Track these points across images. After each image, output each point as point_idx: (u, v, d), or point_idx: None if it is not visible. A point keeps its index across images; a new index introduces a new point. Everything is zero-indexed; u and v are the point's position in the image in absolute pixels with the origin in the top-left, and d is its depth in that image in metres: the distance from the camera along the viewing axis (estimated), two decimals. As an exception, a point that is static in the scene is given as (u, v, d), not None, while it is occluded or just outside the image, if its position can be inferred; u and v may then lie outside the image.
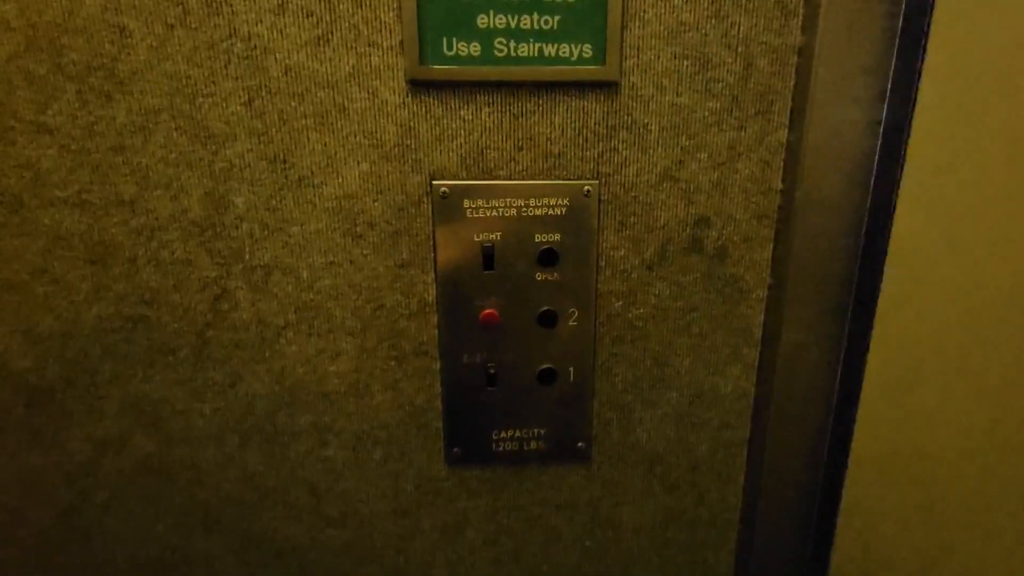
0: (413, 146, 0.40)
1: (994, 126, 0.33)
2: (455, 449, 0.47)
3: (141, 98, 0.37)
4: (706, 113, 0.41)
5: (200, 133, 0.38)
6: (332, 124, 0.39)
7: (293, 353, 0.44)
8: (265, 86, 0.38)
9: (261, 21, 0.37)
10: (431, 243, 0.42)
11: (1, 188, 0.38)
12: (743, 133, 0.41)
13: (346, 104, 0.39)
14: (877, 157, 0.41)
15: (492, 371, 0.45)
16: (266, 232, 0.41)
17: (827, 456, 0.48)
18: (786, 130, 0.41)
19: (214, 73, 0.37)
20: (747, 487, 0.50)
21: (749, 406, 0.48)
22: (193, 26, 0.36)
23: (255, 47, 0.37)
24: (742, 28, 0.39)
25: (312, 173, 0.40)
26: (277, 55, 0.37)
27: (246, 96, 0.38)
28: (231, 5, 0.36)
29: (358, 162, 0.40)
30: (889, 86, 0.39)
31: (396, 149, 0.40)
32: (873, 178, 0.42)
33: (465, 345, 0.44)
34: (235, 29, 0.37)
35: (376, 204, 0.41)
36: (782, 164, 0.42)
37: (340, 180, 0.40)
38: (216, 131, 0.38)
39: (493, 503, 0.49)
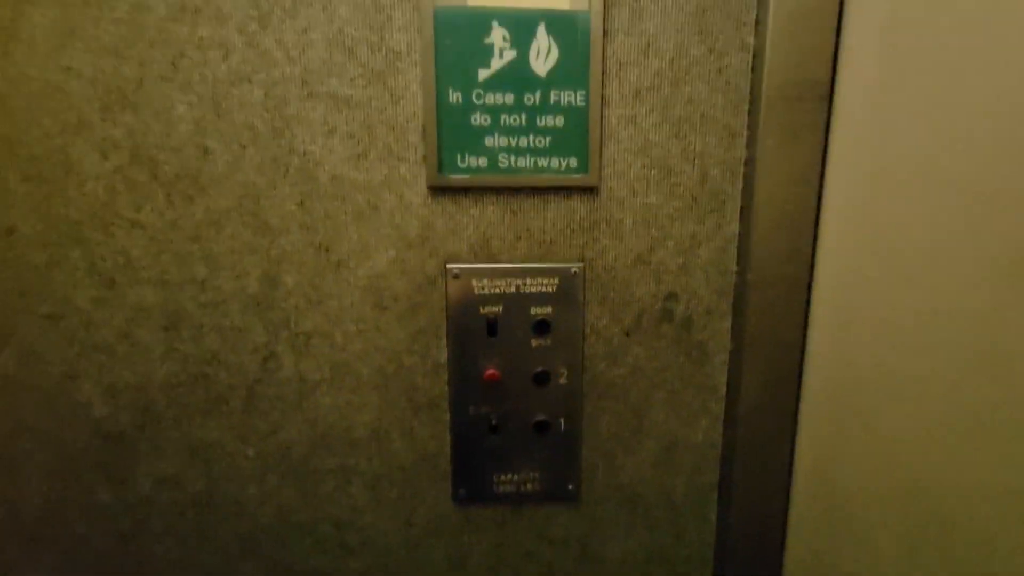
0: (431, 237, 0.49)
1: (886, 216, 0.42)
2: (461, 489, 0.54)
3: (216, 200, 0.47)
4: (671, 210, 0.50)
5: (261, 227, 0.48)
6: (367, 220, 0.48)
7: (326, 405, 0.52)
8: (315, 191, 0.47)
9: (315, 142, 0.47)
10: (444, 314, 0.51)
11: (99, 270, 0.48)
12: (702, 226, 0.50)
13: (378, 204, 0.48)
14: (813, 244, 0.50)
15: (494, 422, 0.53)
16: (309, 305, 0.50)
17: (788, 495, 0.55)
18: (737, 223, 0.50)
19: (275, 181, 0.47)
20: (719, 526, 0.57)
21: (718, 454, 0.55)
22: (261, 145, 0.46)
23: (308, 161, 0.47)
24: (697, 146, 0.49)
25: (349, 258, 0.49)
26: (326, 167, 0.47)
27: (299, 198, 0.48)
28: (291, 130, 0.46)
29: (387, 249, 0.49)
30: (818, 188, 0.49)
31: (417, 239, 0.49)
32: (812, 260, 0.50)
33: (471, 399, 0.52)
34: (293, 147, 0.47)
35: (400, 282, 0.50)
36: (736, 250, 0.51)
37: (371, 264, 0.49)
38: (273, 225, 0.48)
39: (494, 538, 0.56)
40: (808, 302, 0.51)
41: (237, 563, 0.55)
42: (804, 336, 0.52)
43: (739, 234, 0.51)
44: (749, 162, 0.49)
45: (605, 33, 0.46)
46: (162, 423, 0.51)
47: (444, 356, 0.51)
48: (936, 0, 0.37)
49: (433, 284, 0.50)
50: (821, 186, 0.48)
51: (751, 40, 0.47)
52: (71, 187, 0.46)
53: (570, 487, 0.55)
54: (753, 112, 0.48)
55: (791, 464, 0.54)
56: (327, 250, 0.49)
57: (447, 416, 0.53)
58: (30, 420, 0.50)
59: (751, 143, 0.48)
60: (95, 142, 0.46)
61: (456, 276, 0.50)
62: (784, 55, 0.46)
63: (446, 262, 0.50)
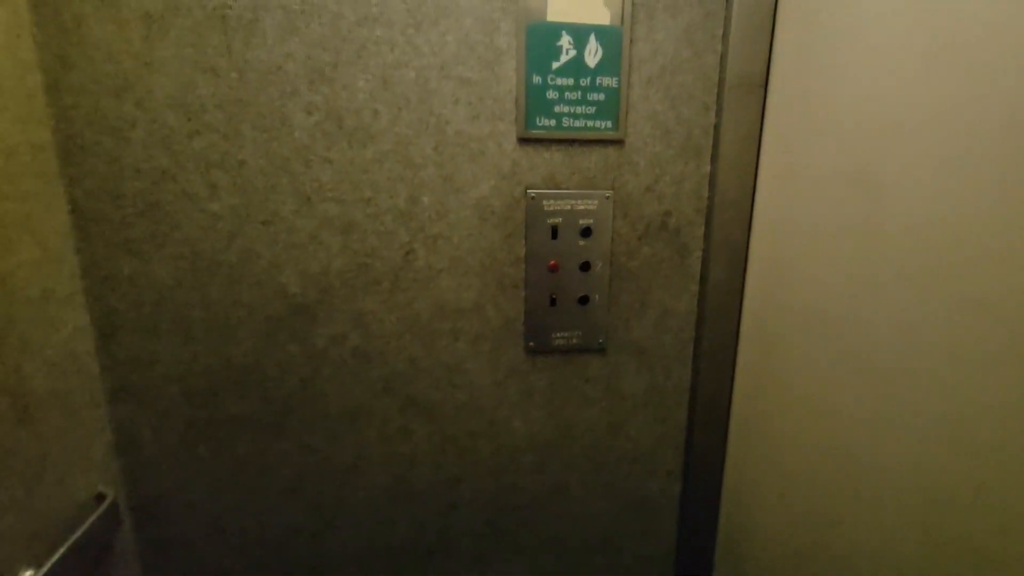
0: (518, 172, 0.75)
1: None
2: (531, 343, 0.82)
3: (380, 145, 0.72)
4: (668, 156, 0.78)
5: (408, 164, 0.73)
6: (477, 160, 0.74)
7: (444, 286, 0.78)
8: (444, 140, 0.73)
9: (445, 107, 0.72)
10: (524, 223, 0.77)
11: (300, 192, 0.71)
12: (687, 167, 0.79)
13: (485, 150, 0.74)
14: (755, 177, 0.79)
15: (553, 297, 0.80)
16: (437, 216, 0.75)
17: (736, 343, 0.86)
18: (708, 166, 0.79)
19: (419, 133, 0.72)
20: (693, 366, 0.87)
21: (694, 318, 0.85)
22: (411, 109, 0.71)
23: (441, 120, 0.72)
24: (685, 114, 0.77)
25: (464, 186, 0.75)
26: (452, 124, 0.72)
27: (434, 144, 0.73)
28: (431, 100, 0.71)
29: (489, 180, 0.75)
30: (758, 143, 0.78)
31: (509, 173, 0.75)
32: (754, 188, 0.80)
33: (539, 281, 0.80)
34: (432, 111, 0.71)
35: (496, 202, 0.76)
36: (708, 183, 0.80)
37: (479, 189, 0.75)
38: (416, 163, 0.73)
39: (550, 377, 0.84)
40: (751, 217, 0.81)
41: (380, 398, 0.80)
42: (748, 239, 0.82)
43: (710, 173, 0.80)
44: (717, 126, 0.78)
45: (631, 41, 0.73)
46: (335, 297, 0.76)
47: (523, 252, 0.78)
48: (824, 26, 0.66)
49: (518, 203, 0.77)
50: (760, 141, 0.78)
51: (719, 47, 0.75)
52: (284, 134, 0.69)
53: (600, 340, 0.84)
54: (720, 93, 0.76)
55: (739, 322, 0.85)
56: (450, 180, 0.74)
57: (523, 293, 0.80)
58: (245, 297, 0.74)
59: (718, 113, 0.77)
60: (302, 104, 0.69)
61: (533, 198, 0.76)
62: (739, 57, 0.74)
63: (526, 189, 0.76)
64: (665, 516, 0.94)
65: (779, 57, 0.74)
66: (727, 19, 0.74)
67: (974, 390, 0.49)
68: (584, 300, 0.81)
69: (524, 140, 0.74)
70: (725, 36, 0.75)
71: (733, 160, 0.78)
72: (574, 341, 0.83)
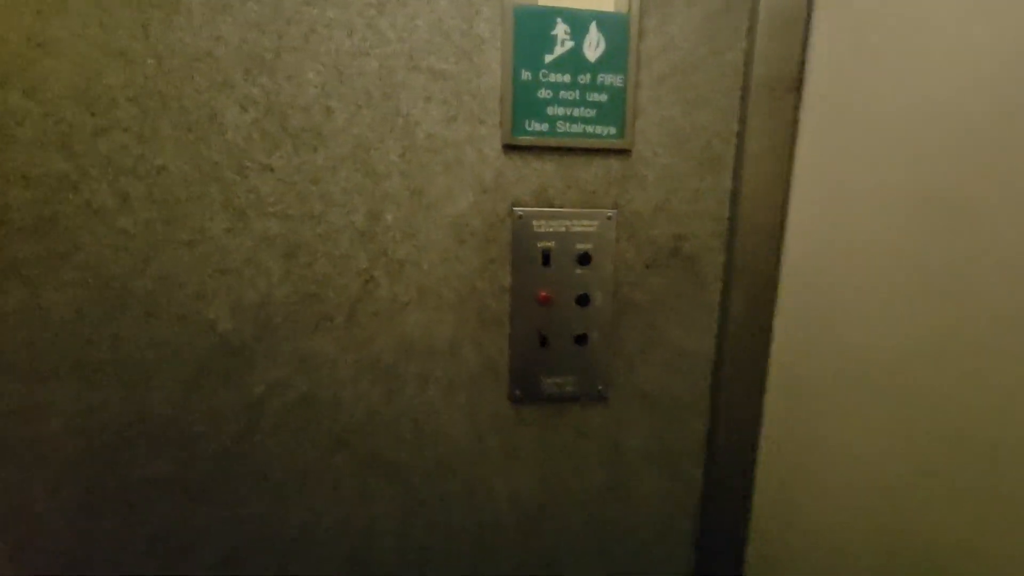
0: (502, 185, 0.62)
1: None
2: (517, 391, 0.68)
3: (334, 149, 0.59)
4: (682, 169, 0.66)
5: (369, 172, 0.60)
6: (453, 170, 0.61)
7: (413, 321, 0.64)
8: (413, 145, 0.60)
9: (416, 106, 0.59)
10: (509, 247, 0.64)
11: (234, 205, 0.58)
12: (704, 182, 0.66)
13: (462, 158, 0.61)
14: (785, 197, 0.67)
15: (544, 335, 0.67)
16: (404, 237, 0.62)
17: (763, 391, 0.72)
18: (729, 181, 0.67)
19: (383, 136, 0.59)
20: (711, 418, 0.74)
21: (711, 360, 0.72)
22: (373, 107, 0.58)
23: (409, 120, 0.59)
24: (702, 120, 0.65)
25: (438, 200, 0.62)
26: (423, 126, 0.60)
27: (401, 151, 0.60)
28: (399, 95, 0.58)
29: (467, 194, 0.62)
30: (790, 156, 0.66)
31: (492, 186, 0.62)
32: (784, 211, 0.67)
33: (527, 316, 0.66)
34: (399, 110, 0.59)
35: (476, 221, 0.63)
36: (728, 202, 0.67)
37: (455, 205, 0.62)
38: (379, 172, 0.60)
39: (540, 431, 0.70)
40: (780, 244, 0.68)
41: (333, 455, 0.66)
42: (778, 270, 0.69)
43: (731, 190, 0.67)
44: (740, 134, 0.65)
45: (640, 32, 0.61)
46: (277, 337, 0.62)
47: (508, 281, 0.65)
48: (875, 25, 0.55)
49: (502, 223, 0.63)
50: (792, 154, 0.65)
51: (744, 43, 0.63)
52: (213, 134, 0.56)
53: (600, 387, 0.70)
54: (744, 97, 0.64)
55: (765, 367, 0.71)
56: (420, 193, 0.61)
57: (508, 330, 0.66)
58: (164, 334, 0.60)
59: (742, 120, 0.65)
60: (237, 98, 0.56)
61: (520, 217, 0.63)
62: (767, 54, 0.62)
63: (512, 206, 0.63)
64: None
65: (817, 54, 0.62)
66: (753, 11, 0.63)
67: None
68: (581, 339, 0.68)
69: (510, 147, 0.62)
70: (751, 31, 0.63)
71: (760, 175, 0.66)
72: (569, 388, 0.69)
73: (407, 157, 0.60)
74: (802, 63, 0.63)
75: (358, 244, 0.61)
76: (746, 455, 0.74)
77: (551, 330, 0.67)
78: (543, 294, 0.65)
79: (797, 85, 0.64)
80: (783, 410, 0.69)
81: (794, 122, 0.64)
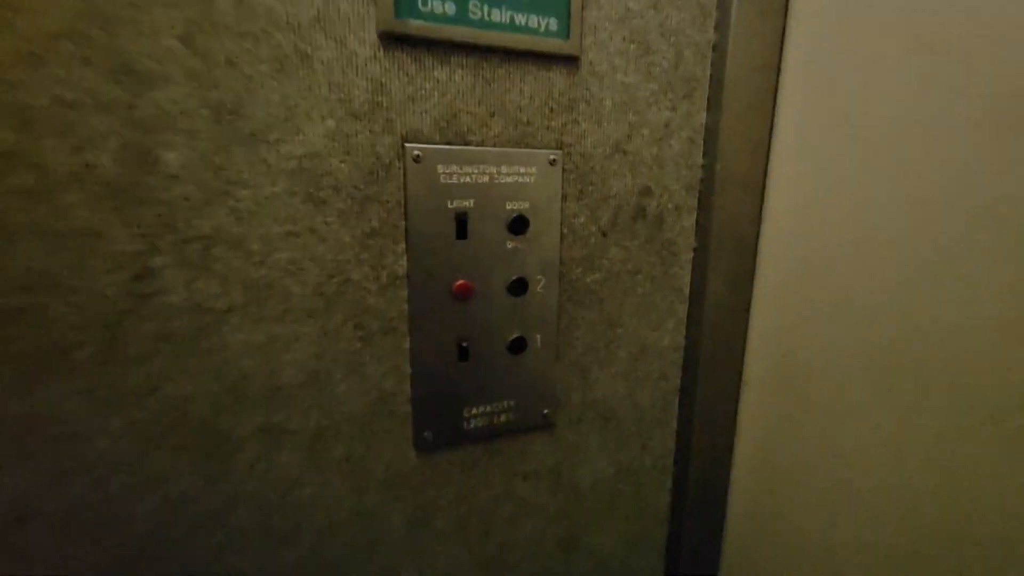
0: (384, 105, 0.37)
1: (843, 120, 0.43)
2: (426, 433, 0.44)
3: (32, 17, 0.29)
4: (648, 93, 0.46)
5: (116, 69, 0.31)
6: (293, 73, 0.34)
7: (238, 343, 0.37)
8: (209, 20, 0.32)
9: (206, -59, 0.31)
10: (402, 209, 0.39)
11: None
12: (675, 113, 0.47)
13: (309, 52, 0.35)
14: (769, 137, 0.50)
15: (464, 345, 0.44)
16: (208, 196, 0.34)
17: (740, 389, 0.57)
18: (705, 113, 0.49)
19: (142, -4, 0.30)
20: (679, 431, 0.57)
21: (681, 357, 0.54)
22: (111, -66, 0.29)
23: (197, -29, 0.31)
24: (673, 21, 0.45)
25: (268, 128, 0.35)
26: (227, -16, 0.32)
27: (184, 28, 0.32)
28: (166, -84, 0.30)
29: (323, 118, 0.36)
30: (776, 75, 0.49)
31: (366, 106, 0.37)
32: (767, 154, 0.51)
33: (437, 319, 0.42)
34: (170, -54, 0.30)
35: (343, 166, 0.37)
36: (703, 142, 0.49)
37: (301, 137, 0.36)
38: (140, 70, 0.31)
39: (463, 485, 0.47)
40: (762, 200, 0.52)
41: (101, 593, 0.37)
42: (758, 234, 0.53)
43: (705, 124, 0.49)
44: (718, 46, 0.47)
45: None
46: (-63, 399, 0.31)
47: (403, 264, 0.40)
48: None
49: (387, 170, 0.38)
50: (779, 72, 0.49)
51: (723, -89, 0.45)
52: None
53: (545, 412, 0.49)
54: (725, -9, 0.46)
55: (743, 357, 0.56)
56: (233, 114, 0.34)
57: (407, 343, 0.42)
58: None
59: (720, 24, 0.47)
60: None
61: (417, 159, 0.39)
62: (756, -70, 0.44)
63: (404, 141, 0.39)
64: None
65: (816, -69, 0.45)
66: None
67: None
68: (518, 345, 0.46)
69: (396, 38, 0.37)
70: None
71: (746, 104, 0.48)
72: (503, 419, 0.47)
73: (198, 43, 0.32)
74: (797, -54, 0.46)
75: (107, 208, 0.32)
76: (721, 471, 0.59)
77: (474, 336, 0.44)
78: (460, 282, 0.42)
79: (787, -21, 0.47)
80: (765, 413, 0.55)
81: (782, 31, 0.48)
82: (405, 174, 0.39)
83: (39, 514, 0.34)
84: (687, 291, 0.53)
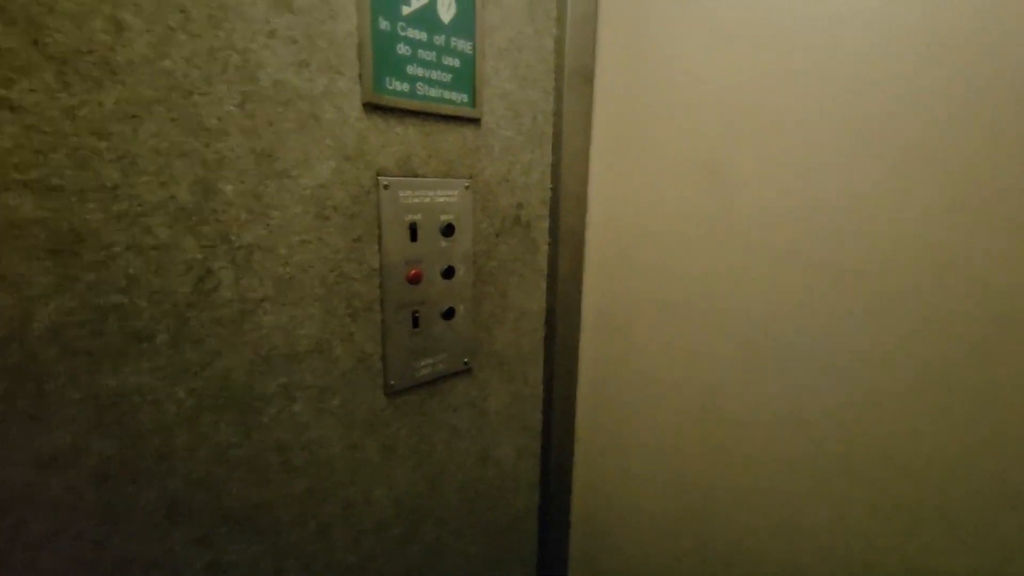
0: (366, 151, 0.54)
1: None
2: (392, 381, 0.62)
3: (130, 88, 0.39)
4: (518, 143, 0.70)
5: (195, 126, 0.43)
6: (310, 129, 0.50)
7: (269, 323, 0.50)
8: (257, 93, 0.46)
9: (255, 40, 0.45)
10: (376, 222, 0.57)
11: (-68, 168, 0.33)
12: (534, 155, 0.73)
13: (320, 115, 0.50)
14: (586, 168, 0.80)
15: (416, 315, 0.62)
16: (251, 216, 0.47)
17: (579, 330, 0.86)
18: (551, 154, 0.75)
19: (211, 78, 0.43)
20: (545, 365, 0.83)
21: (543, 315, 0.81)
22: (192, 31, 0.42)
23: (248, 57, 0.45)
24: (530, 96, 0.70)
25: (292, 167, 0.49)
26: (268, 68, 0.46)
27: (240, 97, 0.45)
28: (230, 21, 0.43)
29: (327, 160, 0.51)
30: (588, 130, 0.78)
31: (355, 152, 0.53)
32: (586, 180, 0.80)
33: (399, 298, 0.60)
34: (231, 41, 0.44)
35: (340, 192, 0.53)
36: (551, 173, 0.76)
37: (313, 173, 0.51)
38: (209, 125, 0.44)
39: (415, 419, 0.65)
40: (586, 208, 0.81)
41: (166, 531, 0.46)
42: (584, 230, 0.82)
43: (552, 162, 0.76)
44: (557, 113, 0.74)
45: (483, 2, 0.62)
46: (56, 377, 0.39)
47: (377, 261, 0.57)
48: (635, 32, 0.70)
49: (368, 195, 0.55)
50: (589, 134, 0.78)
51: (555, 30, 0.71)
52: None
53: (466, 360, 0.70)
54: (558, 78, 0.73)
55: (580, 312, 0.85)
56: (270, 157, 0.47)
57: (379, 317, 0.59)
58: None
59: (557, 100, 0.74)
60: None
61: (387, 187, 0.57)
62: (575, 45, 0.72)
63: (378, 175, 0.56)
64: (527, 536, 0.87)
65: (604, 48, 0.75)
66: (560, 1, 0.71)
67: (823, 379, 0.60)
68: (449, 314, 0.66)
69: (372, 107, 0.54)
70: (560, 20, 0.71)
71: (572, 150, 0.76)
72: (440, 367, 0.67)
73: (248, 108, 0.45)
74: (594, 55, 0.75)
75: (183, 227, 0.43)
76: (571, 391, 0.87)
77: (423, 309, 0.63)
78: (414, 271, 0.61)
79: (591, 76, 0.76)
80: (597, 348, 0.84)
81: (590, 104, 0.77)
82: (379, 198, 0.56)
83: (118, 473, 0.43)
84: (546, 271, 0.79)
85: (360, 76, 0.52)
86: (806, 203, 0.59)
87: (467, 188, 0.65)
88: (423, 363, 0.65)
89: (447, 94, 0.60)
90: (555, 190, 0.76)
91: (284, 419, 0.53)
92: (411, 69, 0.56)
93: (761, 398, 0.66)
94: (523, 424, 0.81)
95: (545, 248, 0.78)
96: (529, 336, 0.79)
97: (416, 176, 0.59)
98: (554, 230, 0.78)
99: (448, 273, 0.64)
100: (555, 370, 0.83)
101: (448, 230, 0.63)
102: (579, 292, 0.83)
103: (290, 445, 0.54)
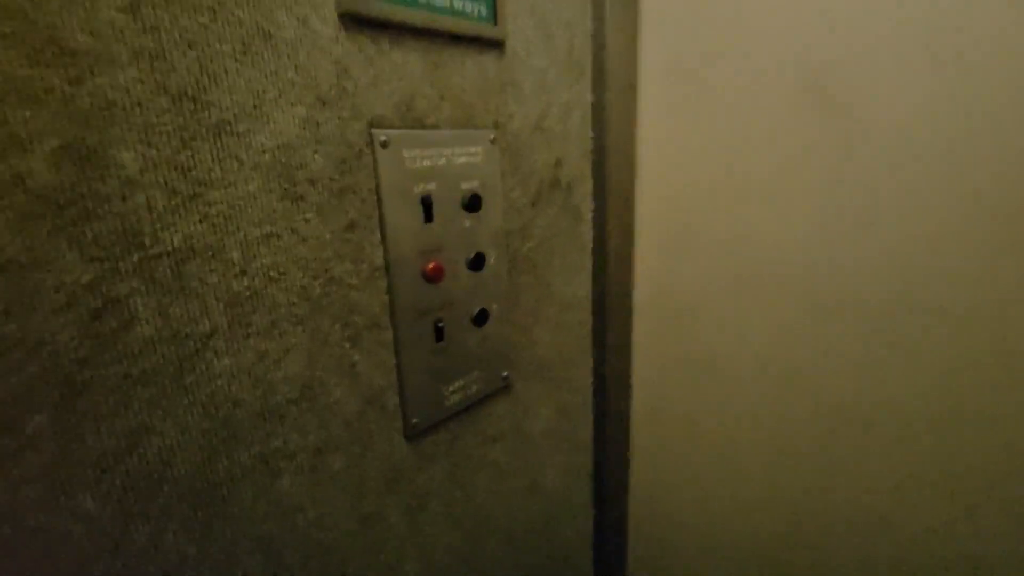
0: (350, 89, 0.35)
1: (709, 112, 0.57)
2: (414, 420, 0.44)
3: None
4: (553, 76, 0.52)
5: (43, 46, 0.24)
6: (258, 55, 0.31)
7: (226, 369, 0.32)
8: (158, -10, 0.26)
9: None
10: (375, 197, 0.38)
11: None
12: (572, 92, 0.54)
13: (271, 31, 0.31)
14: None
15: (440, 325, 0.45)
16: (174, 202, 0.29)
17: (631, 320, 0.69)
18: (591, 93, 0.57)
19: (65, -48, 0.24)
20: (594, 367, 0.67)
21: (590, 304, 0.64)
22: None
23: (133, -73, 0.25)
24: (566, 13, 0.51)
25: (237, 117, 0.30)
26: (173, -54, 0.27)
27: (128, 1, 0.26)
28: None
29: (292, 104, 0.33)
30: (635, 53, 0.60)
31: (333, 92, 0.35)
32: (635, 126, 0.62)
33: (415, 303, 0.42)
34: None
35: (317, 157, 0.34)
36: (591, 116, 0.58)
37: (272, 127, 0.32)
38: (78, 47, 0.24)
39: (448, 461, 0.49)
40: (634, 161, 0.63)
41: None
42: (633, 191, 0.64)
43: (592, 102, 0.57)
44: (596, 35, 0.55)
45: None
46: None
47: (381, 255, 0.39)
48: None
49: (359, 158, 0.37)
50: (635, 51, 0.59)
51: (590, -83, 0.52)
52: None
53: (505, 375, 0.53)
54: (597, -13, 0.54)
55: (631, 291, 0.68)
56: (195, 101, 0.29)
57: (390, 334, 0.41)
58: None
59: (597, 16, 0.55)
60: None
61: (385, 145, 0.38)
62: (616, -63, 0.53)
63: (371, 126, 0.37)
64: (581, 554, 0.72)
65: (656, -57, 0.56)
66: None
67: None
68: (482, 317, 0.48)
69: (354, 20, 0.35)
70: (593, -99, 0.52)
71: (620, 82, 0.58)
72: (474, 388, 0.50)
73: (144, 16, 0.26)
74: (643, -46, 0.56)
75: (47, 228, 0.25)
76: (624, 391, 0.71)
77: (447, 315, 0.45)
78: (432, 264, 0.43)
79: (636, -19, 0.57)
80: (652, 338, 0.68)
81: (636, 19, 0.58)
82: (376, 161, 0.38)
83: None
84: (591, 246, 0.62)
85: (330, -33, 0.33)
86: (959, 130, 0.42)
87: (493, 142, 0.46)
88: (452, 387, 0.47)
89: (458, 2, 0.41)
90: (598, 140, 0.58)
91: (266, 503, 0.35)
92: (407, -39, 0.37)
93: (893, 394, 0.51)
94: (571, 441, 0.65)
95: (589, 216, 0.60)
96: (574, 331, 0.62)
97: (425, 127, 0.41)
98: (599, 192, 0.60)
99: (476, 262, 0.46)
100: (605, 370, 0.66)
101: (473, 203, 0.45)
102: (631, 270, 0.66)
103: (278, 537, 0.37)
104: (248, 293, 0.32)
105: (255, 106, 0.31)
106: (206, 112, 0.29)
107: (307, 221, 0.34)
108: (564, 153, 0.55)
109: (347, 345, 0.38)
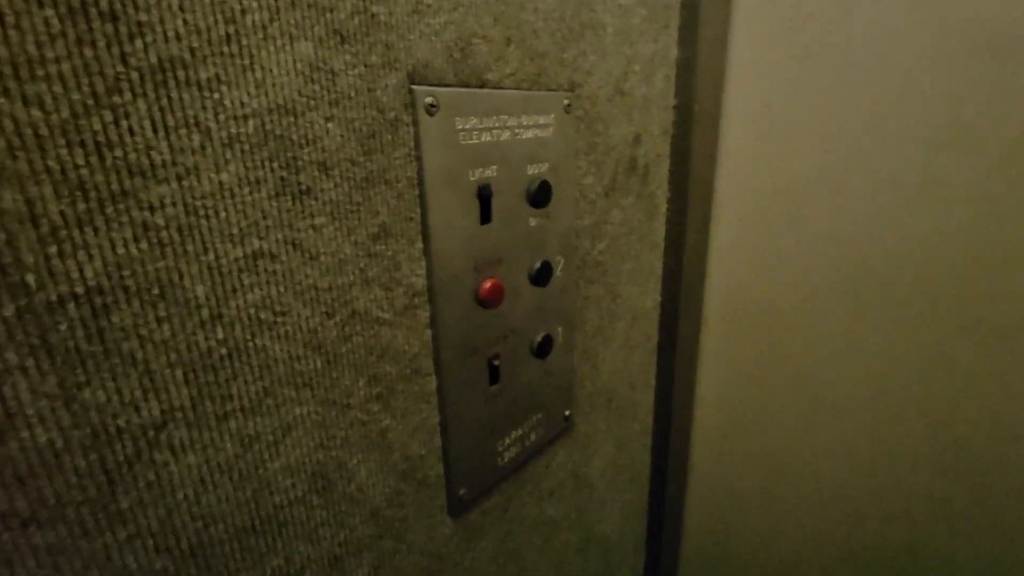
0: (382, 19, 0.22)
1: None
2: (461, 492, 0.33)
3: None
4: (637, 21, 0.38)
5: None
6: (230, -57, 0.17)
7: (188, 473, 0.20)
8: None
9: None
10: (417, 192, 0.26)
11: None
12: (657, 45, 0.41)
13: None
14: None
15: (496, 364, 0.33)
16: (84, 206, 0.16)
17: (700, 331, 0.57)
18: (676, 48, 0.44)
19: None
20: (658, 388, 0.55)
21: (657, 316, 0.52)
22: None
23: None
24: (658, -69, 0.38)
25: (194, 55, 0.17)
26: None
27: None
28: None
29: (293, 38, 0.20)
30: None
31: (356, 20, 0.21)
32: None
33: (465, 338, 0.30)
34: None
35: (331, 126, 0.22)
36: (675, 80, 0.45)
37: (259, 75, 0.19)
38: None
39: (499, 531, 0.37)
40: (717, 138, 0.50)
41: None
42: (713, 176, 0.51)
43: (678, 59, 0.44)
44: (688, -32, 0.42)
45: None
46: None
47: (422, 273, 0.27)
48: None
49: (394, 129, 0.24)
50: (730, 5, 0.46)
51: None
52: None
53: (567, 413, 0.41)
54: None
55: (703, 297, 0.56)
56: (115, 19, 0.16)
57: (434, 383, 0.29)
58: None
59: (692, -57, 0.41)
60: None
61: (431, 110, 0.25)
62: None
63: (412, 81, 0.24)
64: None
65: None
66: None
67: None
68: (545, 346, 0.36)
69: (388, -100, 0.21)
70: None
71: (711, 34, 0.44)
72: (533, 437, 0.38)
73: None
74: None
75: None
76: (687, 412, 0.60)
77: (504, 348, 0.33)
78: (489, 283, 0.30)
79: None
80: (719, 346, 0.56)
81: (737, -44, 0.45)
82: (418, 135, 0.25)
83: None
84: (662, 245, 0.49)
85: None
86: None
87: (567, 110, 0.33)
88: (508, 440, 0.36)
89: (535, -102, 0.28)
90: (682, 109, 0.45)
91: (261, 648, 0.24)
92: None
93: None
94: (630, 476, 0.54)
95: (664, 209, 0.48)
96: (640, 349, 0.50)
97: (484, 86, 0.28)
98: (678, 178, 0.47)
99: (542, 275, 0.34)
100: (671, 390, 0.55)
101: (541, 194, 0.32)
102: (704, 273, 0.54)
103: None
104: (223, 350, 0.20)
105: (228, 37, 0.18)
106: (138, 41, 0.16)
107: (316, 229, 0.22)
108: (644, 126, 0.42)
109: (375, 407, 0.26)
